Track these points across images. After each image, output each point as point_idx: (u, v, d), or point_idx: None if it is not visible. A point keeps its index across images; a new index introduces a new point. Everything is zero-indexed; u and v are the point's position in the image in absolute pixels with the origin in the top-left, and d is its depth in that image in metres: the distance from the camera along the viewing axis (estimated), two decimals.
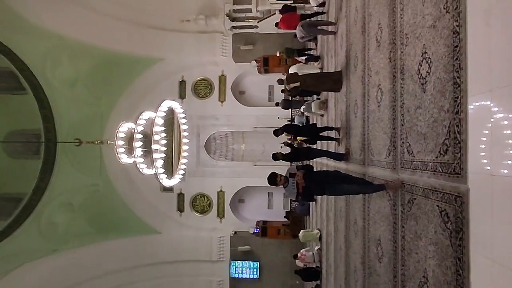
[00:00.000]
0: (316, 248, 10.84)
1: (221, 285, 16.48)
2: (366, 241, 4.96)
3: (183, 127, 12.00)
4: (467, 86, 2.45)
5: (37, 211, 14.81)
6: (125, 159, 10.98)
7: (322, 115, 9.78)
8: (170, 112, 11.65)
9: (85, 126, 15.49)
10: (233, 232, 16.65)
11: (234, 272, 16.39)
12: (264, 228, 15.74)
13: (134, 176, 15.10)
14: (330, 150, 7.59)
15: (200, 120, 16.72)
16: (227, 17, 15.82)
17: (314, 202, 12.04)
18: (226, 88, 16.85)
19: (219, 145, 17.64)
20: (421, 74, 3.13)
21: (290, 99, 12.92)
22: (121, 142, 10.73)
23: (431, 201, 2.97)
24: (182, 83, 16.90)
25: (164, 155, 10.87)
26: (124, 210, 16.62)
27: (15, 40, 13.11)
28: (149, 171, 11.09)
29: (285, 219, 15.92)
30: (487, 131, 2.24)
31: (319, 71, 9.95)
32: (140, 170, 10.98)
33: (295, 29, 8.45)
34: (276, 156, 7.06)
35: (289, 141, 9.49)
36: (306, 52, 12.60)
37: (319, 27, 8.53)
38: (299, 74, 7.33)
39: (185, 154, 12.11)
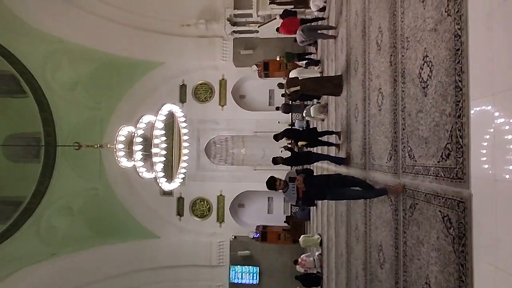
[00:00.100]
0: (317, 253, 10.76)
1: None
2: (367, 246, 4.91)
3: (183, 131, 11.97)
4: (469, 90, 2.42)
5: (36, 215, 14.76)
6: (124, 162, 10.94)
7: (322, 120, 9.76)
8: (171, 116, 11.63)
9: (85, 130, 15.49)
10: (233, 237, 16.55)
11: (233, 277, 16.27)
12: (264, 233, 15.65)
13: (134, 180, 15.05)
14: (331, 154, 7.56)
15: (200, 124, 16.71)
16: (228, 22, 15.88)
17: (314, 207, 11.98)
18: (227, 92, 16.87)
19: (219, 149, 17.61)
20: (422, 78, 3.11)
21: (290, 103, 12.92)
22: (121, 146, 10.70)
23: (433, 206, 2.93)
24: (183, 87, 16.92)
25: (164, 159, 10.83)
26: (123, 214, 16.55)
27: (16, 43, 13.15)
28: (148, 175, 11.05)
29: (285, 224, 15.84)
30: (489, 135, 2.21)
31: (319, 75, 9.95)
32: (140, 174, 10.93)
33: (296, 33, 8.46)
34: (276, 160, 7.03)
35: (289, 145, 9.46)
36: (306, 57, 12.62)
37: (319, 31, 8.54)
38: (300, 78, 7.33)
39: (185, 158, 12.07)
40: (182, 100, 16.72)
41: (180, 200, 17.07)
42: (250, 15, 15.78)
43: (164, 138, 10.80)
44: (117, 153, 10.70)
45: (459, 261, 2.47)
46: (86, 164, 15.81)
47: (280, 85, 11.28)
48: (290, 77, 8.76)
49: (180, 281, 16.22)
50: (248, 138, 17.24)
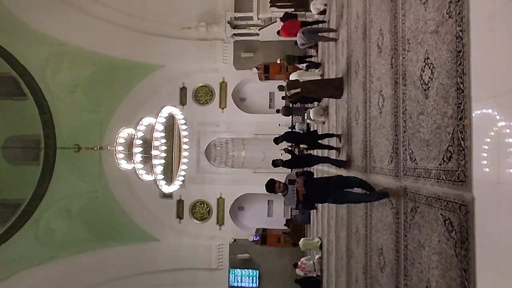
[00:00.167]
0: (317, 256, 10.69)
1: None
2: (368, 250, 4.87)
3: (184, 133, 11.95)
4: (471, 92, 2.40)
5: (35, 218, 14.69)
6: (124, 165, 10.91)
7: (323, 122, 9.73)
8: (171, 118, 11.61)
9: (85, 132, 15.46)
10: (233, 240, 16.47)
11: (233, 281, 16.17)
12: (263, 236, 15.58)
13: (134, 183, 15.01)
14: (331, 157, 7.53)
15: (200, 127, 16.69)
16: (228, 25, 15.91)
17: (314, 210, 11.92)
18: (227, 95, 16.86)
19: (219, 151, 17.58)
20: (424, 80, 3.09)
21: (290, 106, 12.89)
22: (120, 148, 10.67)
23: (435, 210, 2.90)
24: (183, 90, 16.92)
25: (163, 161, 10.80)
26: (122, 217, 16.48)
27: (16, 45, 13.15)
28: (148, 177, 11.01)
29: (285, 227, 15.77)
30: (492, 137, 2.18)
31: (320, 78, 9.94)
32: (140, 176, 10.90)
33: (296, 36, 8.46)
34: (276, 163, 6.99)
35: (289, 148, 9.42)
36: (307, 59, 12.62)
37: (320, 34, 8.54)
38: (300, 80, 7.31)
39: (185, 160, 12.03)
40: (182, 102, 16.71)
41: (180, 202, 17.01)
42: (251, 18, 15.82)
43: (164, 141, 10.78)
44: (116, 155, 10.67)
45: (462, 266, 2.43)
46: (86, 167, 15.77)
47: (281, 88, 11.25)
48: (290, 79, 8.75)
49: (180, 285, 16.12)
50: (248, 140, 17.22)
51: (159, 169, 10.58)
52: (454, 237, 2.56)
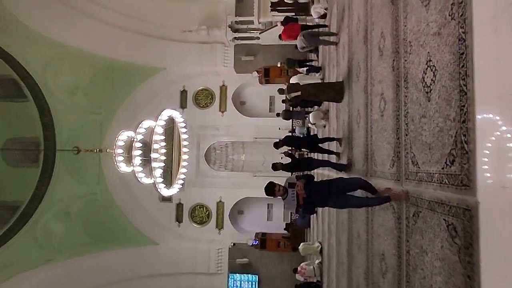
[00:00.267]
0: (317, 261, 10.60)
1: None
2: (369, 255, 4.80)
3: (183, 136, 11.93)
4: (474, 94, 2.36)
5: (34, 220, 14.62)
6: (124, 168, 10.87)
7: (324, 126, 9.70)
8: (171, 121, 11.60)
9: (85, 135, 15.44)
10: (232, 244, 16.37)
11: (232, 285, 16.05)
12: (263, 240, 15.48)
13: (133, 186, 14.95)
14: (332, 161, 7.48)
15: (200, 130, 16.67)
16: (229, 28, 15.95)
17: (314, 214, 11.85)
18: (227, 98, 16.86)
19: (219, 155, 17.53)
20: (426, 83, 3.05)
21: (291, 109, 12.88)
22: (120, 151, 10.64)
23: (437, 215, 2.85)
24: (183, 93, 16.93)
25: (163, 164, 10.76)
26: (121, 220, 16.41)
27: (17, 47, 13.17)
28: (147, 181, 10.96)
29: (285, 231, 15.67)
30: (496, 141, 2.13)
31: (320, 82, 9.92)
32: (139, 179, 10.85)
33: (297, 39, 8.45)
34: (275, 166, 6.95)
35: (290, 151, 9.38)
36: (307, 63, 12.62)
37: (321, 38, 8.53)
38: (301, 84, 7.29)
39: (184, 163, 12.00)
40: (183, 105, 16.71)
41: (179, 206, 16.93)
42: (252, 22, 15.87)
43: (163, 144, 10.75)
44: (116, 158, 10.63)
45: (466, 273, 2.37)
46: (85, 169, 15.73)
47: (281, 91, 11.25)
48: (291, 83, 8.73)
49: None
50: (248, 144, 17.18)
51: (158, 172, 10.54)
52: (458, 242, 2.51)
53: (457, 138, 2.54)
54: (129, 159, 10.63)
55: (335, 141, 7.38)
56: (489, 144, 2.20)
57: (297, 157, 9.57)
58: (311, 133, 11.90)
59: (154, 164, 10.32)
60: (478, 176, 2.31)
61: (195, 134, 16.24)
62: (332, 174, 7.50)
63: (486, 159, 2.24)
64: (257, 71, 15.60)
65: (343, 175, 6.35)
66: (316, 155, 9.77)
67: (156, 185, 10.86)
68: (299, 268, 11.20)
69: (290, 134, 13.91)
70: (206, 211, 17.04)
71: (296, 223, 15.40)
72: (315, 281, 10.73)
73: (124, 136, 10.93)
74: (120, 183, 15.75)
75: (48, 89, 14.54)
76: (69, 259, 14.76)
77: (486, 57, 2.27)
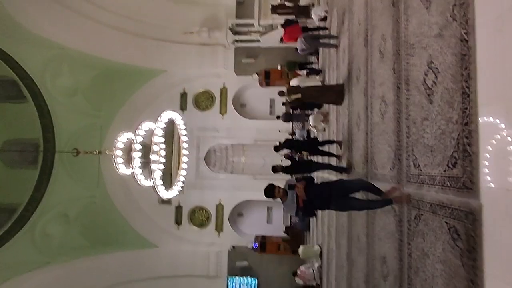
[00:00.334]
0: (317, 265, 10.54)
1: None
2: (370, 258, 4.76)
3: (183, 138, 11.87)
4: (477, 96, 2.34)
5: (31, 222, 14.53)
6: (123, 170, 10.80)
7: (324, 129, 9.68)
8: (171, 123, 11.55)
9: (84, 137, 15.40)
10: (231, 247, 16.29)
11: None
12: (263, 243, 15.41)
13: (132, 188, 14.89)
14: (332, 164, 7.45)
15: (200, 132, 16.63)
16: (230, 31, 15.97)
17: (314, 217, 11.79)
18: (227, 101, 16.84)
19: (219, 157, 17.49)
20: (427, 85, 3.04)
21: (291, 112, 12.86)
22: (119, 153, 10.58)
23: (439, 217, 2.82)
24: (183, 95, 16.91)
25: (163, 166, 10.69)
26: (120, 222, 16.33)
27: (16, 49, 13.14)
28: (147, 183, 10.90)
29: (285, 234, 15.60)
30: (500, 143, 2.11)
31: (320, 84, 9.91)
32: (138, 181, 10.79)
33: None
34: (275, 169, 6.92)
35: (290, 154, 9.35)
36: (308, 66, 12.62)
37: (321, 40, 8.54)
38: (301, 86, 7.28)
39: (184, 166, 11.93)
40: (183, 108, 16.69)
41: (179, 208, 16.86)
42: (252, 25, 15.89)
43: (163, 146, 10.69)
44: (115, 160, 10.57)
45: (469, 277, 2.34)
46: (84, 171, 15.67)
47: (281, 93, 11.23)
48: (291, 85, 8.72)
49: None
50: (248, 146, 17.15)
51: (158, 174, 10.48)
52: (460, 246, 2.48)
53: (460, 140, 2.52)
54: (128, 161, 10.57)
55: (335, 144, 7.36)
56: (492, 147, 2.18)
57: (297, 159, 9.53)
58: (311, 136, 11.88)
59: (153, 166, 10.26)
60: (481, 178, 2.28)
61: (195, 136, 16.20)
62: (333, 176, 7.47)
63: (489, 162, 2.22)
64: (257, 74, 15.60)
65: (344, 177, 6.32)
66: (316, 158, 9.75)
67: (156, 187, 10.80)
68: (298, 271, 11.14)
69: (291, 137, 13.88)
70: (206, 214, 16.97)
71: (296, 226, 15.34)
72: (314, 284, 10.66)
73: (123, 138, 10.87)
74: (120, 185, 15.69)
75: (48, 91, 14.50)
76: (68, 261, 14.67)
77: (489, 58, 2.25)
